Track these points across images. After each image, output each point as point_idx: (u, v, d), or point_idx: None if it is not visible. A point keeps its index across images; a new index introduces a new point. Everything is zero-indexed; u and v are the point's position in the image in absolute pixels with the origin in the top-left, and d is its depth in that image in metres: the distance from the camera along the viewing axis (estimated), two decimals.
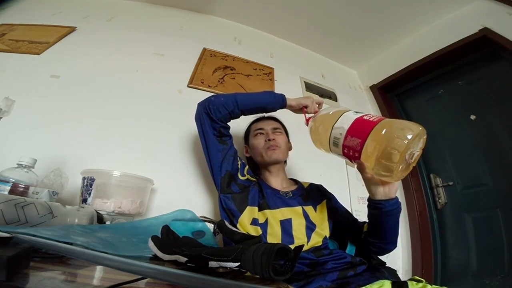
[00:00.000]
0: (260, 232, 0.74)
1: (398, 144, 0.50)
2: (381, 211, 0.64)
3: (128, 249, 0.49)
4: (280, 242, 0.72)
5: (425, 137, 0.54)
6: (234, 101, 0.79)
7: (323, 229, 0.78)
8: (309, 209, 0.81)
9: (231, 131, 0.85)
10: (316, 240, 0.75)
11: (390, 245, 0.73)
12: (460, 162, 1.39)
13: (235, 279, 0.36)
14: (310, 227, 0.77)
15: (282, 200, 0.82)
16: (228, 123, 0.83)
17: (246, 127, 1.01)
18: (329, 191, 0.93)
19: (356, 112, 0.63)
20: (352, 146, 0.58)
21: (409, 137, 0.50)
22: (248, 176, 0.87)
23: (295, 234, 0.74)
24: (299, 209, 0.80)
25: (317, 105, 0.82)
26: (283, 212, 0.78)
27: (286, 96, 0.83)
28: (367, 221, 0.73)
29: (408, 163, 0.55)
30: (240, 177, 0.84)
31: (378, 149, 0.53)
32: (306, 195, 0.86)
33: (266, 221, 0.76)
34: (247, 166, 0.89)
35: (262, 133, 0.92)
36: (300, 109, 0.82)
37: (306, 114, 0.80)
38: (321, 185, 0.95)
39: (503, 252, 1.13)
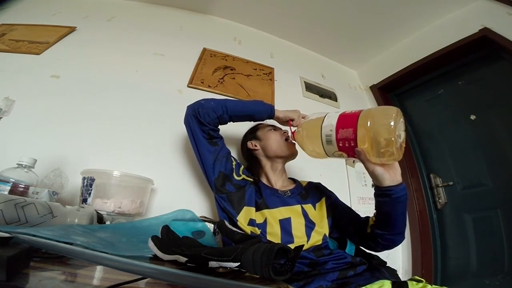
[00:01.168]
0: (258, 233, 0.74)
1: (387, 121, 0.55)
2: (391, 197, 0.62)
3: (128, 249, 0.49)
4: (280, 241, 0.72)
5: (402, 118, 0.59)
6: (224, 107, 0.81)
7: (322, 227, 0.78)
8: (308, 207, 0.81)
9: (225, 133, 0.86)
10: (316, 238, 0.75)
11: (398, 236, 0.71)
12: (460, 162, 1.39)
13: (235, 279, 0.36)
14: (310, 226, 0.77)
15: (281, 199, 0.82)
16: (217, 127, 0.84)
17: (251, 127, 1.02)
18: (329, 189, 0.93)
19: (336, 112, 0.67)
20: (346, 137, 0.61)
21: (393, 114, 0.56)
22: (244, 176, 0.87)
23: (295, 233, 0.74)
24: (298, 207, 0.80)
25: (303, 119, 0.84)
26: (282, 212, 0.78)
27: (275, 108, 0.86)
28: (375, 212, 0.71)
29: (399, 144, 0.58)
30: (236, 177, 0.85)
31: (371, 130, 0.57)
32: (304, 194, 0.86)
33: (265, 220, 0.76)
34: (242, 166, 0.90)
35: (276, 130, 0.95)
36: (286, 121, 0.86)
37: (292, 127, 0.83)
38: (319, 183, 0.95)
39: (503, 252, 1.14)
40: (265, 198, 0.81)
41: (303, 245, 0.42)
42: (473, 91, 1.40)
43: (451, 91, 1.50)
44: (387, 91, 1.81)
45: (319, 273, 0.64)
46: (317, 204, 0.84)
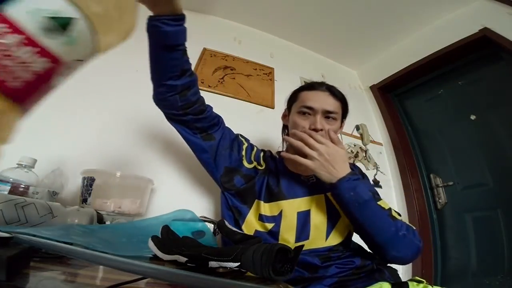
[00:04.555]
0: (269, 228, 0.66)
1: None
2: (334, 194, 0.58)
3: (128, 249, 0.49)
4: (294, 237, 0.65)
5: None
6: (155, 74, 0.68)
7: (347, 221, 0.65)
8: None
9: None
10: (337, 236, 0.65)
11: (376, 249, 0.62)
12: (460, 162, 1.39)
13: (235, 279, 0.36)
14: (332, 220, 0.66)
15: (302, 186, 0.71)
16: (200, 107, 0.67)
17: (294, 90, 0.82)
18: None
19: None
20: None
21: None
22: (256, 163, 0.75)
23: (313, 232, 0.65)
24: (321, 197, 0.68)
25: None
26: (301, 203, 0.68)
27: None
28: None
29: None
30: (246, 165, 0.73)
31: None
32: None
33: (281, 213, 0.66)
34: (255, 149, 0.77)
35: (310, 114, 0.72)
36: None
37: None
38: (354, 165, 0.79)
39: (503, 252, 1.14)
40: (283, 185, 0.70)
41: (303, 246, 0.41)
42: (473, 91, 1.40)
43: (451, 91, 1.50)
44: (387, 91, 1.81)
45: (318, 278, 0.61)
46: None
